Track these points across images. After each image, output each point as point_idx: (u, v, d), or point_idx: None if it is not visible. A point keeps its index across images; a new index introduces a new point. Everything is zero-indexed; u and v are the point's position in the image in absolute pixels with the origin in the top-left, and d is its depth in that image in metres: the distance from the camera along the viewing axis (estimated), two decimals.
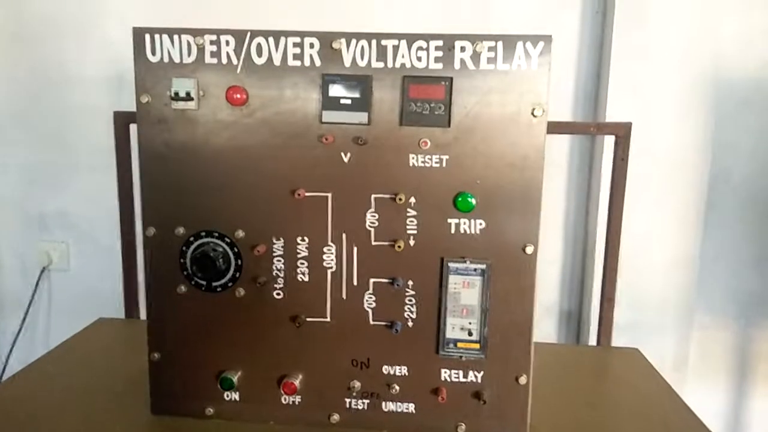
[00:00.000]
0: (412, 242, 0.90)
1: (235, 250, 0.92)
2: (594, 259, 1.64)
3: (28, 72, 1.75)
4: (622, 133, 1.27)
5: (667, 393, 1.10)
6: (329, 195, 0.90)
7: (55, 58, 1.73)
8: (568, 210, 1.73)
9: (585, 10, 1.63)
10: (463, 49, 0.84)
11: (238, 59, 0.87)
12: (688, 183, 1.59)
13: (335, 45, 0.86)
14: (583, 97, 1.66)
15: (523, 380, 0.91)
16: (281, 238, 0.91)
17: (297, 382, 0.93)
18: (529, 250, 0.88)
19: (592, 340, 1.61)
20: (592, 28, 1.63)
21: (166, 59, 0.88)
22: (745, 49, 1.57)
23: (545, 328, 1.76)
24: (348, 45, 0.86)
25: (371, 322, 0.92)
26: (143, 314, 1.36)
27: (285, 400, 0.95)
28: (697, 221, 1.61)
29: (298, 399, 0.94)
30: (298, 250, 0.91)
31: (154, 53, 0.88)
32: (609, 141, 1.54)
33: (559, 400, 1.06)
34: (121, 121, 1.32)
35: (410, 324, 0.91)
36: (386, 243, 0.90)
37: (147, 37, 0.88)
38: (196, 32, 0.87)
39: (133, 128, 1.26)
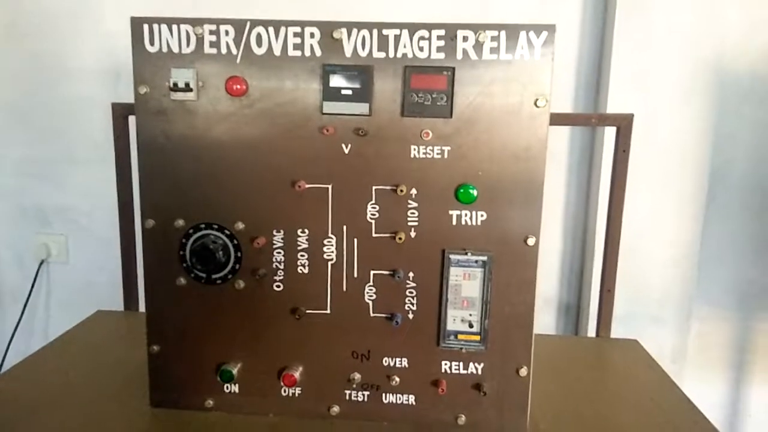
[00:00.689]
0: (413, 234, 0.89)
1: (235, 242, 0.91)
2: (593, 250, 1.64)
3: (23, 64, 1.74)
4: (624, 125, 1.27)
5: (667, 384, 1.11)
6: (330, 186, 0.89)
7: (51, 50, 1.72)
8: (567, 201, 1.73)
9: None
10: (465, 38, 0.83)
11: (238, 49, 0.86)
12: (689, 174, 1.59)
13: (336, 35, 0.85)
14: (584, 88, 1.65)
15: (523, 372, 0.91)
16: (281, 230, 0.91)
17: (297, 374, 0.92)
18: (531, 241, 0.88)
19: (591, 332, 1.62)
20: (594, 17, 1.62)
21: (164, 49, 0.87)
22: (747, 39, 1.56)
23: (544, 320, 1.76)
24: (349, 35, 0.85)
25: (372, 314, 0.92)
26: (142, 307, 1.36)
27: (285, 392, 0.94)
28: (698, 213, 1.60)
29: (298, 391, 0.94)
30: (298, 242, 0.91)
31: (152, 43, 0.87)
32: (609, 132, 1.53)
33: (560, 391, 1.06)
34: (120, 112, 1.31)
35: (411, 316, 0.91)
36: (387, 235, 0.89)
37: (145, 26, 0.87)
38: (195, 22, 0.86)
39: (131, 120, 1.26)
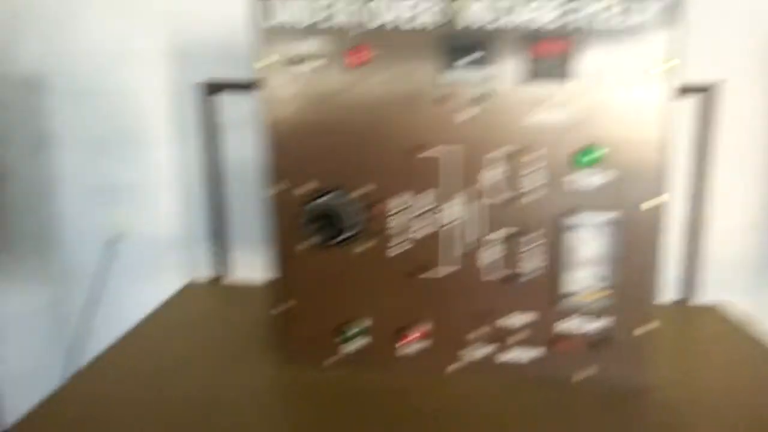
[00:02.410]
0: (531, 197, 0.91)
1: (356, 206, 0.94)
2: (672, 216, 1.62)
3: (89, 46, 1.73)
4: (708, 94, 1.27)
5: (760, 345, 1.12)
6: (448, 152, 0.91)
7: (113, 31, 1.70)
8: None
9: None
10: (588, 3, 0.85)
11: (356, 20, 0.89)
12: None
13: (455, 3, 0.86)
14: None
15: (644, 330, 0.92)
16: (401, 195, 0.93)
17: (417, 335, 0.96)
18: (654, 203, 0.89)
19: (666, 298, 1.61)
20: None
21: (282, 23, 0.90)
22: None
23: None
24: (468, 2, 0.87)
25: (490, 276, 0.94)
26: (233, 276, 1.40)
27: (404, 351, 0.98)
28: None
29: (418, 348, 0.97)
30: (417, 207, 0.93)
31: (269, 17, 0.90)
32: (691, 102, 1.52)
33: (666, 354, 1.05)
34: (205, 90, 1.33)
35: (530, 276, 0.93)
36: (505, 199, 0.92)
37: (260, 0, 0.89)
38: None
39: (218, 98, 1.29)
